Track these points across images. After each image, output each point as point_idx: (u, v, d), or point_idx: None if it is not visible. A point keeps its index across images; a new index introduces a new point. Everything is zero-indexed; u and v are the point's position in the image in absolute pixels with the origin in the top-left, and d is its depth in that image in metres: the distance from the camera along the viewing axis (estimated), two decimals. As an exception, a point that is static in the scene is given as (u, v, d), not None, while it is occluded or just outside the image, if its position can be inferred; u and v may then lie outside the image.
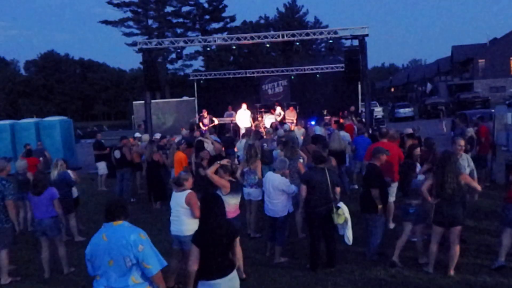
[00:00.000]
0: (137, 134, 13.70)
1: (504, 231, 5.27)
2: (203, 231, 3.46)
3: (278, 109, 17.11)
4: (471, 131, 9.45)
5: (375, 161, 5.85)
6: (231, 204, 5.44)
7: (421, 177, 5.72)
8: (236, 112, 17.19)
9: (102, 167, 11.85)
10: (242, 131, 14.63)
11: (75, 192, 7.86)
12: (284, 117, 16.60)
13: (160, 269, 3.18)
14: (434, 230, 5.31)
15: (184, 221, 4.99)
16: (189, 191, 5.05)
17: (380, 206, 5.60)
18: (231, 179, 5.75)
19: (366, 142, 9.23)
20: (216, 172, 5.72)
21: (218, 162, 5.82)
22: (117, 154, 10.27)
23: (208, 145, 9.46)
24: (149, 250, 3.15)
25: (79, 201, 8.29)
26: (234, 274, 3.54)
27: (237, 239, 5.24)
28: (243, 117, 16.29)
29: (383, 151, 5.92)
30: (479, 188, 5.35)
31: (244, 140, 9.70)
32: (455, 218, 5.11)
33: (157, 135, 13.29)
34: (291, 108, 17.30)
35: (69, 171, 7.85)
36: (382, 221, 5.84)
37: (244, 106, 16.48)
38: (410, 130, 9.66)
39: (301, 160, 7.10)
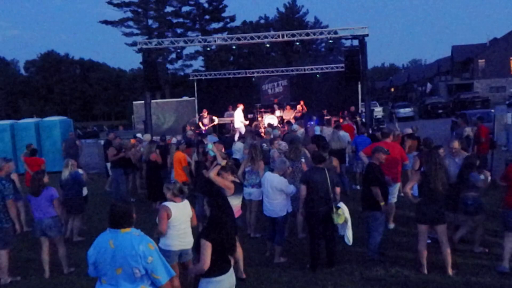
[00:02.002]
0: (139, 135, 13.70)
1: (507, 236, 5.27)
2: (215, 227, 3.50)
3: (300, 108, 17.04)
4: (468, 130, 9.45)
5: (375, 160, 5.88)
6: (234, 204, 5.38)
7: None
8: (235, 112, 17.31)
9: (110, 168, 11.86)
10: (238, 131, 14.65)
11: (85, 190, 7.90)
12: (295, 116, 16.58)
13: (169, 279, 3.18)
14: (419, 229, 5.38)
15: (190, 232, 4.77)
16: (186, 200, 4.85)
17: (382, 203, 5.61)
18: (234, 180, 5.67)
19: (366, 142, 9.22)
20: (218, 174, 5.62)
21: (218, 163, 5.73)
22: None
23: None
24: (158, 261, 3.13)
25: (87, 199, 8.37)
26: (232, 270, 3.62)
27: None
28: (237, 118, 16.36)
29: (382, 150, 5.93)
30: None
31: (239, 142, 9.66)
32: (436, 215, 5.19)
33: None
34: (288, 107, 17.32)
35: (80, 170, 7.91)
36: (383, 220, 5.84)
37: (240, 106, 16.49)
38: (409, 130, 9.67)
39: (303, 160, 7.10)
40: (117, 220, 3.16)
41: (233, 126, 16.71)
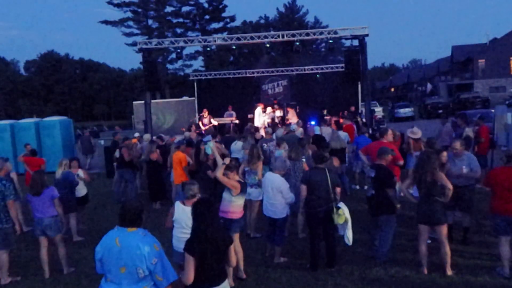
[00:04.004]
0: (137, 134, 13.70)
1: (499, 240, 5.23)
2: (196, 238, 3.32)
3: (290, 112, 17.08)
4: (468, 130, 9.44)
5: (381, 161, 5.77)
6: (238, 204, 5.32)
7: None
8: (235, 112, 17.44)
9: (117, 168, 11.86)
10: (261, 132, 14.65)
11: (83, 190, 7.90)
12: (286, 119, 16.57)
13: (171, 282, 3.19)
14: (419, 229, 5.37)
15: None
16: None
17: (398, 206, 5.56)
18: (239, 180, 5.54)
19: (367, 142, 9.22)
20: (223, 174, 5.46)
21: (223, 162, 5.52)
22: (117, 154, 10.29)
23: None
24: (162, 263, 3.15)
25: (88, 199, 8.39)
26: (225, 284, 3.43)
27: (237, 240, 5.25)
28: (257, 118, 16.42)
29: (388, 152, 5.88)
30: (450, 186, 5.14)
31: (239, 142, 9.67)
32: (433, 215, 5.17)
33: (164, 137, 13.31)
34: (288, 108, 17.30)
35: (80, 170, 7.94)
36: (395, 222, 5.77)
37: (260, 106, 16.54)
38: (418, 132, 9.59)
39: (304, 160, 7.09)
40: (125, 219, 3.20)
41: (233, 126, 16.71)
